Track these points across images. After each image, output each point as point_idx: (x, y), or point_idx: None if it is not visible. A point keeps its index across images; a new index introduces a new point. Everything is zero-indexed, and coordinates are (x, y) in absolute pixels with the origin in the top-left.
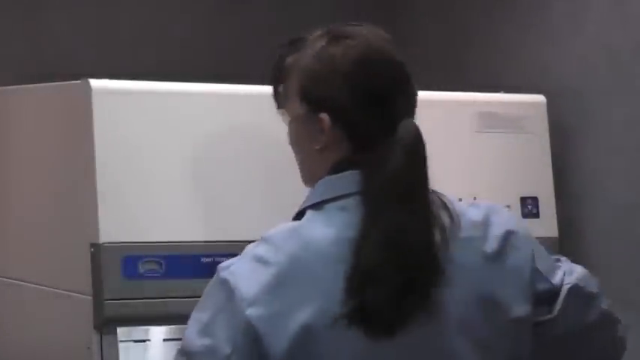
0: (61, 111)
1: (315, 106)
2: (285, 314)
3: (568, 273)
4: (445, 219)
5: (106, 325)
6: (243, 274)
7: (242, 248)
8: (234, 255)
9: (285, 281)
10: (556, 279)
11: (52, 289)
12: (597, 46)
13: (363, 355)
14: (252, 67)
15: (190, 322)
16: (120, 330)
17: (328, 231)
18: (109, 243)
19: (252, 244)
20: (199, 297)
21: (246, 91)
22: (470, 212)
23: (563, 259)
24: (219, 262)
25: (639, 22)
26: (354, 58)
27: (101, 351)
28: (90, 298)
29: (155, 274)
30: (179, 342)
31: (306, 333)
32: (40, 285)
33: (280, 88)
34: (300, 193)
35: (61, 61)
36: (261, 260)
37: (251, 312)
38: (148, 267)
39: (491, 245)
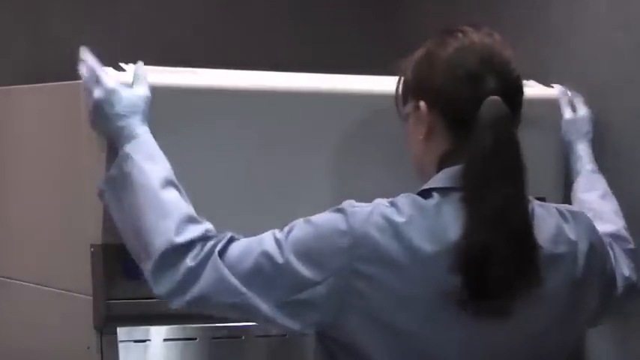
0: (61, 111)
1: (418, 96)
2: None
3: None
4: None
5: (106, 325)
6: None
7: None
8: None
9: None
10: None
11: (52, 289)
12: (597, 46)
13: (466, 338)
14: (252, 67)
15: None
16: (120, 330)
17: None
18: (109, 243)
19: (379, 200)
20: None
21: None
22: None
23: None
24: None
25: (639, 22)
26: (452, 46)
27: (101, 351)
28: (90, 298)
29: None
30: (179, 342)
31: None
32: (40, 285)
33: (400, 92)
34: (296, 193)
35: (61, 61)
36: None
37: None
38: None
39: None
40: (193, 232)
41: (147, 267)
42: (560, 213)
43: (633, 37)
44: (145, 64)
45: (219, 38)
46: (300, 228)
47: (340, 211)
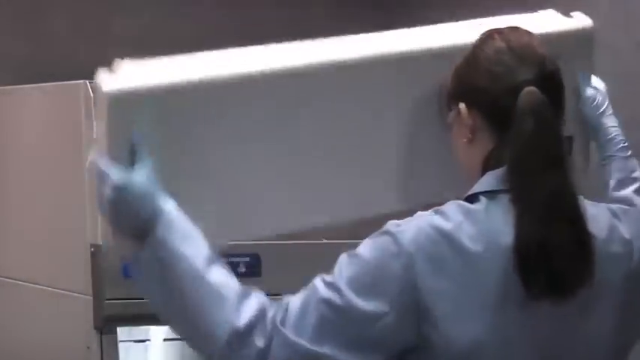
0: (61, 111)
1: (457, 100)
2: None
3: None
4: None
5: (106, 325)
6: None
7: (243, 249)
8: (234, 255)
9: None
10: None
11: (52, 289)
12: (597, 46)
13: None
14: None
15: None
16: (120, 330)
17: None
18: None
19: (421, 212)
20: None
21: None
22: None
23: None
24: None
25: (639, 22)
26: (489, 47)
27: (101, 351)
28: (90, 298)
29: None
30: (179, 342)
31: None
32: (40, 285)
33: (444, 104)
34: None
35: (61, 61)
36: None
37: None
38: None
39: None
40: (250, 310)
41: (212, 356)
42: (612, 212)
43: (633, 37)
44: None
45: (217, 38)
46: (348, 264)
47: (386, 233)
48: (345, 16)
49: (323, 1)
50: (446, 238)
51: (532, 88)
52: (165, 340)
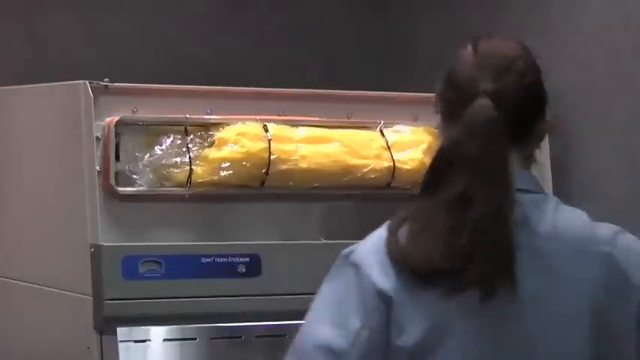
0: (61, 111)
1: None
2: None
3: None
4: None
5: (106, 325)
6: None
7: (243, 249)
8: (234, 255)
9: None
10: None
11: (52, 289)
12: (597, 46)
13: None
14: (251, 68)
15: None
16: (120, 330)
17: None
18: (109, 243)
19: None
20: (199, 297)
21: None
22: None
23: None
24: (219, 262)
25: (639, 22)
26: (456, 55)
27: (101, 351)
28: (90, 298)
29: (155, 275)
30: (179, 342)
31: None
32: (40, 285)
33: None
34: None
35: (61, 61)
36: None
37: None
38: (147, 267)
39: None
40: None
41: None
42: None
43: (633, 37)
44: (144, 62)
45: (214, 38)
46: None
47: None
48: (344, 16)
49: (320, 4)
50: None
51: (484, 102)
52: (165, 340)
